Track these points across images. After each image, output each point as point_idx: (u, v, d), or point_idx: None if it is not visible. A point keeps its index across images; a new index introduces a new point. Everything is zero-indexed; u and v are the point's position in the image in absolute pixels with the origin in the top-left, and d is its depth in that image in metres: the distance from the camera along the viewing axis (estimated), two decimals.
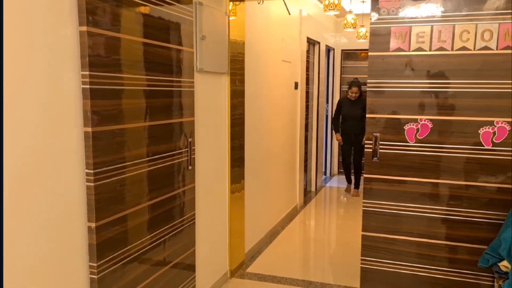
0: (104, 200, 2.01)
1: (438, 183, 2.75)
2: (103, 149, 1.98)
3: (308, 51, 6.14)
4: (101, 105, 1.96)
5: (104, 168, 1.99)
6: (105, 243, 2.03)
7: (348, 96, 6.25)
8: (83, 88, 1.89)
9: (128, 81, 2.13)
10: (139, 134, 2.25)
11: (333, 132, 6.70)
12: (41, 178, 1.75)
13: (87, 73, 1.87)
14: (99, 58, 1.93)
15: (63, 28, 1.82)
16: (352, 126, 6.20)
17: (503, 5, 2.51)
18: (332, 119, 6.61)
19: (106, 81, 1.98)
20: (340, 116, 6.37)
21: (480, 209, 2.69)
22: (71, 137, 1.88)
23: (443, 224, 2.77)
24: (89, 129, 1.91)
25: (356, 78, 6.43)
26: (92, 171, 1.93)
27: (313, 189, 6.75)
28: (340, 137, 6.37)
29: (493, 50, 2.56)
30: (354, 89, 6.12)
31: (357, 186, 6.58)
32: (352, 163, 6.50)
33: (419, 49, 2.69)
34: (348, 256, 4.31)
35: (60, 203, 1.85)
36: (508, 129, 2.58)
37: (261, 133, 4.39)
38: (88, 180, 1.94)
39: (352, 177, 6.67)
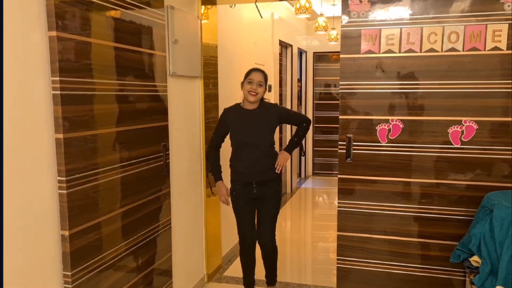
0: (78, 208, 1.97)
1: (410, 182, 2.81)
2: (75, 155, 1.95)
3: (280, 54, 6.19)
4: (73, 111, 1.93)
5: (77, 175, 1.96)
6: (79, 251, 1.99)
7: (241, 103, 3.11)
8: (53, 94, 1.86)
9: (100, 86, 2.11)
10: (112, 139, 2.22)
11: (212, 178, 3.18)
12: (12, 186, 1.71)
13: (58, 78, 1.84)
14: (70, 63, 1.90)
15: (32, 33, 1.78)
16: (253, 164, 3.00)
17: (468, 8, 2.59)
18: (206, 152, 3.38)
19: (77, 86, 1.95)
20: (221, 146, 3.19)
21: (450, 206, 2.76)
22: (42, 144, 1.85)
23: (415, 222, 2.83)
24: (61, 136, 1.87)
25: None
26: (64, 178, 1.89)
27: (288, 191, 6.79)
28: (223, 190, 3.11)
29: (459, 51, 2.64)
30: (257, 75, 2.98)
31: (271, 281, 3.32)
32: (258, 241, 3.16)
33: (389, 51, 2.74)
34: (325, 256, 4.35)
35: (32, 211, 1.81)
36: (475, 127, 2.66)
37: None
38: (60, 188, 1.90)
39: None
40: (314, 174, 8.02)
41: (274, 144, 3.11)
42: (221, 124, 3.13)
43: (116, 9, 2.22)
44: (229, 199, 3.12)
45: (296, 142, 3.15)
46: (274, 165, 3.03)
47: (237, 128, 3.03)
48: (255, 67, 3.11)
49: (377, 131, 2.82)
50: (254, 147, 2.98)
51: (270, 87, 5.57)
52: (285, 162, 3.07)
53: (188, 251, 3.32)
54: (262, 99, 3.08)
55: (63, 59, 1.86)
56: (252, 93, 2.96)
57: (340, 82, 2.85)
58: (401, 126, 2.78)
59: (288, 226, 5.49)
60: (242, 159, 3.02)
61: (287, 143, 3.20)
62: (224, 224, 3.97)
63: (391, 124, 2.79)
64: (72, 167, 1.93)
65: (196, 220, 3.48)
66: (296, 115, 3.35)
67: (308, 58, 7.76)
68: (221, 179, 3.12)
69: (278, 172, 3.04)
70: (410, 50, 2.71)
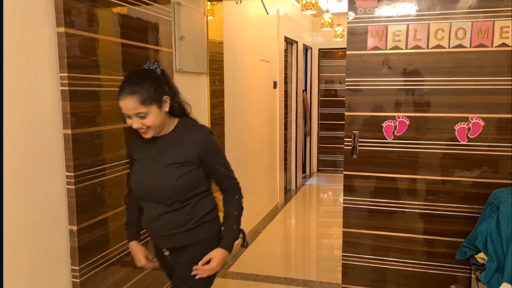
0: (85, 203, 1.99)
1: (415, 178, 2.81)
2: (83, 151, 1.96)
3: (286, 50, 6.17)
4: (81, 107, 1.94)
5: (85, 171, 1.97)
6: (87, 246, 2.00)
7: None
8: (62, 90, 1.87)
9: (107, 82, 2.12)
10: (120, 135, 2.23)
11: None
12: (21, 182, 1.72)
13: (66, 74, 1.85)
14: (78, 59, 1.91)
15: (40, 29, 1.79)
16: (158, 223, 1.81)
17: (475, 4, 2.57)
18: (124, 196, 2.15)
19: (85, 82, 1.96)
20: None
21: (456, 203, 2.75)
22: (50, 139, 1.86)
23: (421, 219, 2.83)
24: (69, 131, 1.88)
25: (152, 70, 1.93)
26: (72, 174, 1.90)
27: (293, 187, 6.79)
28: (137, 254, 1.94)
29: (466, 48, 2.62)
30: (127, 103, 1.68)
31: None
32: None
33: (396, 47, 2.74)
34: (329, 253, 4.36)
35: (40, 206, 1.83)
36: (482, 124, 2.65)
37: (241, 133, 4.39)
38: (68, 183, 1.91)
39: None
40: (318, 171, 8.01)
41: (206, 190, 1.90)
42: (129, 156, 2.01)
43: (123, 6, 2.23)
44: (150, 263, 1.98)
45: (237, 229, 1.95)
46: (195, 224, 1.84)
47: (135, 164, 1.87)
48: (125, 83, 1.71)
49: (383, 127, 2.82)
50: (159, 196, 1.78)
51: (275, 83, 5.56)
52: (217, 268, 1.83)
53: None
54: (184, 115, 1.99)
55: (71, 55, 1.87)
56: (141, 131, 1.74)
57: (346, 79, 2.84)
58: (407, 122, 2.78)
59: (293, 222, 5.50)
60: (145, 213, 1.87)
61: (223, 234, 1.93)
62: None
63: (397, 120, 2.79)
64: (80, 162, 1.94)
65: None
66: (225, 169, 1.92)
67: (313, 55, 7.74)
68: (135, 238, 1.97)
69: (197, 277, 1.81)
70: (417, 47, 2.70)
